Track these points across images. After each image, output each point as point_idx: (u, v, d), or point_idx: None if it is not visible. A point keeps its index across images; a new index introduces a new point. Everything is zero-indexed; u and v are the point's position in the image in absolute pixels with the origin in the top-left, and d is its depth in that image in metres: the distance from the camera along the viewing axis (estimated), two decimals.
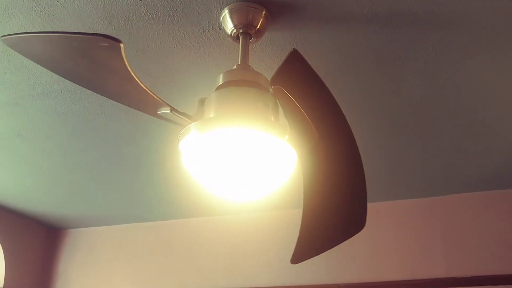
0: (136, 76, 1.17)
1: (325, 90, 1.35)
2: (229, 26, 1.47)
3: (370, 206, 2.79)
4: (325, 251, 1.58)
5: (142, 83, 1.19)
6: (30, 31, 1.57)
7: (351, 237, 1.54)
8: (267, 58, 1.66)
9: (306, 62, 1.33)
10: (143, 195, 2.86)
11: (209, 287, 2.98)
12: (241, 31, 1.45)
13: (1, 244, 3.07)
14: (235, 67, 1.36)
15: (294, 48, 1.24)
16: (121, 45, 1.05)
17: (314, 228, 1.53)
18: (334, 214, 1.52)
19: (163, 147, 2.27)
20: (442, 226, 2.67)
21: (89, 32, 1.57)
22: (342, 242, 1.56)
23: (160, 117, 1.33)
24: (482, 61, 1.67)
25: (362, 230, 2.75)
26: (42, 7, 1.48)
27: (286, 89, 1.23)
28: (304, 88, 1.33)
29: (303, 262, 2.79)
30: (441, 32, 1.54)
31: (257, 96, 1.29)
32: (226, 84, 1.33)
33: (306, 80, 1.34)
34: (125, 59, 1.09)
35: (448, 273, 2.58)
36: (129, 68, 1.13)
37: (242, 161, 1.26)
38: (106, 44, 1.07)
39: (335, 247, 2.75)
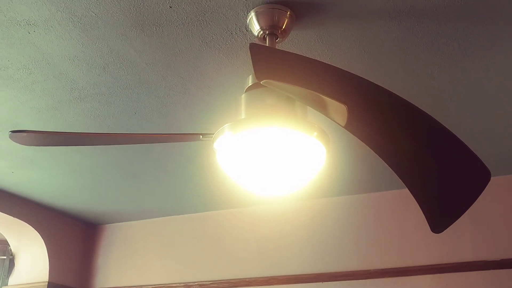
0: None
1: (309, 61, 1.28)
2: (255, 28, 1.53)
3: (397, 193, 2.87)
4: (465, 211, 1.49)
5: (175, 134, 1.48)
6: (67, 46, 1.66)
7: (483, 189, 1.42)
8: None
9: (270, 48, 1.33)
10: (175, 189, 2.95)
11: (240, 276, 3.06)
12: (267, 32, 1.51)
13: (44, 241, 3.22)
14: None
15: (250, 43, 1.16)
16: None
17: (439, 195, 1.48)
18: (449, 175, 1.41)
19: (194, 144, 2.34)
20: (471, 209, 2.67)
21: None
22: (477, 198, 1.45)
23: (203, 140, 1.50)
24: (505, 50, 1.69)
25: (390, 217, 2.81)
26: (78, 18, 1.57)
27: (275, 79, 1.19)
28: (289, 69, 1.23)
29: (332, 249, 2.86)
30: (463, 23, 1.57)
31: (285, 95, 1.35)
32: (255, 85, 1.39)
33: (284, 61, 1.25)
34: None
35: (477, 256, 2.60)
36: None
37: (274, 158, 1.33)
38: None
39: (353, 234, 2.81)
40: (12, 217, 3.06)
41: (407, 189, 2.78)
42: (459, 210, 1.50)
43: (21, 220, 3.11)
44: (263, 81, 1.21)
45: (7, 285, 3.30)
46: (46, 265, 3.22)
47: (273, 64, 1.22)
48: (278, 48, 1.62)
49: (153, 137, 1.70)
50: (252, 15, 1.51)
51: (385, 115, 1.26)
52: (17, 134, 1.46)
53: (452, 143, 1.28)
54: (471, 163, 1.34)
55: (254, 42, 1.23)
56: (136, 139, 1.71)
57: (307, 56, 1.66)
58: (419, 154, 1.34)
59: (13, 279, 3.31)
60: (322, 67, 1.23)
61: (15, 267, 3.33)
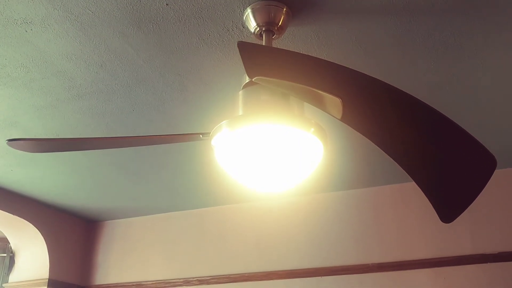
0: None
1: (300, 56, 1.28)
2: (252, 24, 1.53)
3: (396, 187, 2.88)
4: (474, 199, 1.47)
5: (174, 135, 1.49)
6: (64, 44, 1.66)
7: (490, 176, 1.40)
8: None
9: (259, 45, 1.33)
10: (175, 186, 2.96)
11: (239, 271, 3.08)
12: (264, 29, 1.52)
13: (44, 238, 3.24)
14: None
15: (238, 41, 1.19)
16: None
17: (445, 184, 1.47)
18: (454, 163, 1.41)
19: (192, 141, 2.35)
20: None
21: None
22: (485, 185, 1.43)
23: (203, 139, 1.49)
24: (501, 44, 1.70)
25: (389, 211, 2.82)
26: (75, 16, 1.57)
27: (267, 76, 1.22)
28: (280, 65, 1.23)
29: (331, 244, 2.88)
30: (460, 18, 1.57)
31: (281, 92, 1.35)
32: (252, 82, 1.39)
33: (275, 57, 1.25)
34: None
35: (475, 249, 2.61)
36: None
37: (271, 155, 1.33)
38: None
39: (352, 231, 2.84)
40: (12, 214, 3.07)
41: (405, 183, 2.85)
42: (468, 198, 1.48)
43: (21, 217, 3.13)
44: (255, 78, 1.23)
45: (7, 282, 3.32)
46: (46, 262, 3.23)
47: (263, 61, 1.23)
48: (275, 44, 1.63)
49: (153, 139, 1.70)
50: (249, 11, 1.52)
51: (382, 106, 1.26)
52: (15, 142, 1.47)
53: (454, 131, 1.28)
54: (474, 150, 1.33)
55: (241, 40, 1.23)
56: (136, 142, 1.71)
57: (303, 52, 1.68)
58: (420, 144, 1.34)
59: (13, 277, 3.33)
60: (313, 61, 1.22)
61: (15, 265, 3.34)
